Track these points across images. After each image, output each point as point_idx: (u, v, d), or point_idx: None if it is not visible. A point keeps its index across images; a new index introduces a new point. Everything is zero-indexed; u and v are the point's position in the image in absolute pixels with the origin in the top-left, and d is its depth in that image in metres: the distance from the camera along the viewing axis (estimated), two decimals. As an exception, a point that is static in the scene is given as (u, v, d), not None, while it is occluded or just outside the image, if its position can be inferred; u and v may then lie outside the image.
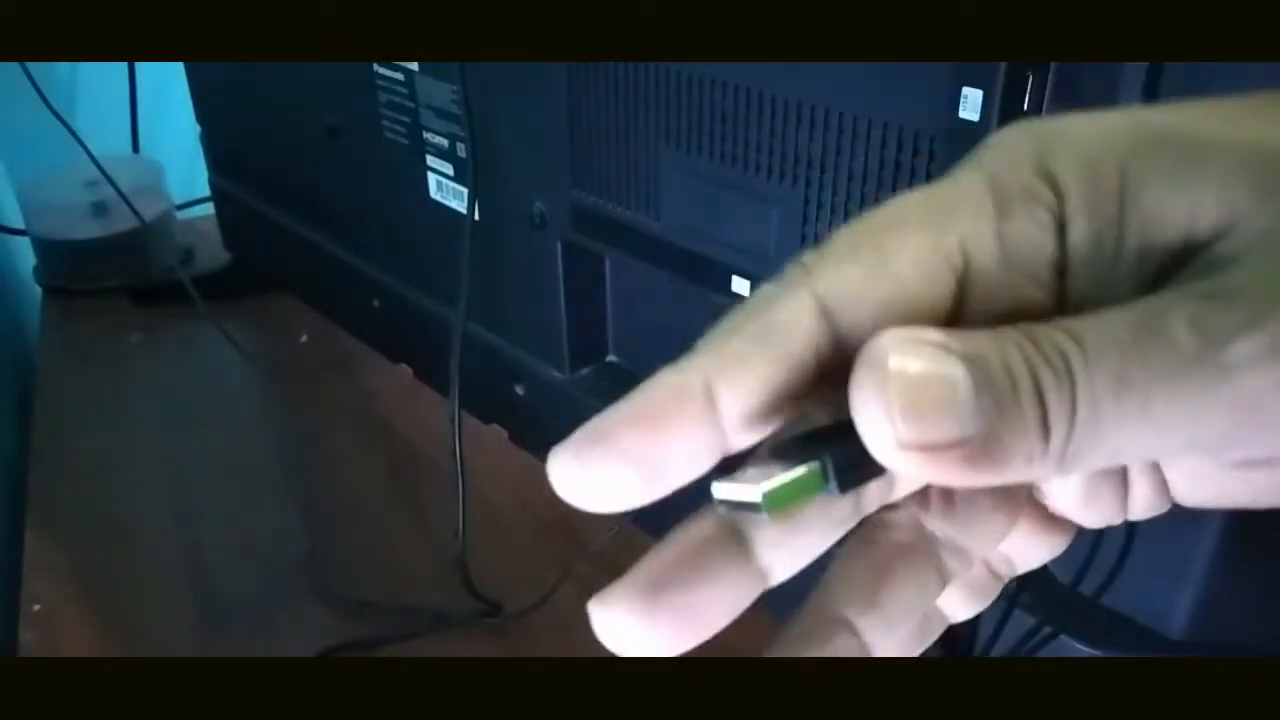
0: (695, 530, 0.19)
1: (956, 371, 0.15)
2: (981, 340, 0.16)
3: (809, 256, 0.17)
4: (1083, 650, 0.41)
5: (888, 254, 0.17)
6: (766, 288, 0.17)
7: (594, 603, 0.17)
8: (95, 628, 0.59)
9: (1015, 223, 0.17)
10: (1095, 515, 0.21)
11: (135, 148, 1.10)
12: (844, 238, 0.17)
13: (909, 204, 0.17)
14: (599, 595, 0.17)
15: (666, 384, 0.17)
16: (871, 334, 0.16)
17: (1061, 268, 0.17)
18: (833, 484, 0.17)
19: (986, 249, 0.17)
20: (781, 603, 0.22)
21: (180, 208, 1.03)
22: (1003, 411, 0.15)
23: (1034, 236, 0.17)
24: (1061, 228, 0.17)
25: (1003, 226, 0.17)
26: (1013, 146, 0.18)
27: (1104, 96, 0.35)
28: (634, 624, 0.17)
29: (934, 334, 0.16)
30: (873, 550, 0.20)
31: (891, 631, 0.20)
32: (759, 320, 0.17)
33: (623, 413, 0.17)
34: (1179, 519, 0.39)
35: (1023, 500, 0.21)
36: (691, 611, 0.18)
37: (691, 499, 0.51)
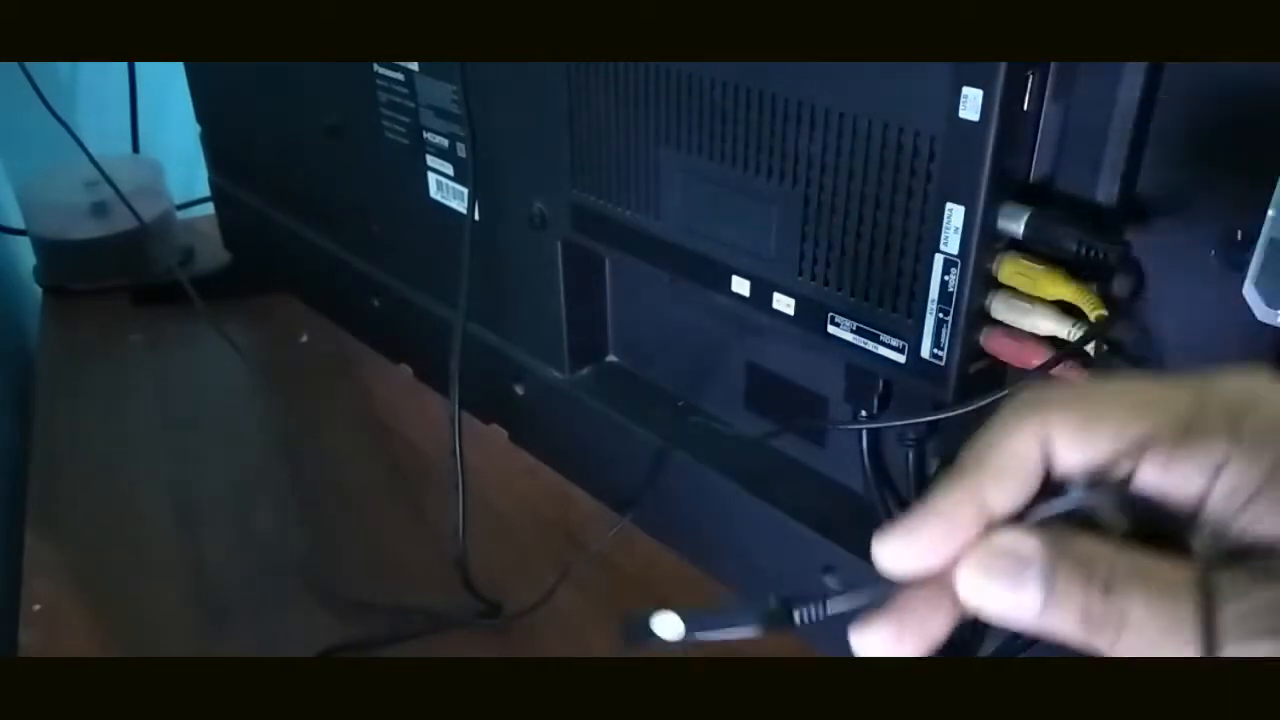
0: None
1: (1029, 570, 0.23)
2: (1062, 557, 0.22)
3: (1040, 392, 0.24)
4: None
5: (1100, 415, 0.23)
6: (1004, 419, 0.24)
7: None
8: (95, 628, 0.59)
9: (1186, 453, 0.22)
10: None
11: (135, 148, 1.10)
12: (1070, 391, 0.23)
13: (1128, 392, 0.23)
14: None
15: (949, 498, 0.24)
16: (1067, 467, 0.23)
17: (1200, 496, 0.22)
18: None
19: (1161, 456, 0.22)
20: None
21: (180, 208, 1.03)
22: (1049, 606, 0.22)
23: (1192, 473, 0.22)
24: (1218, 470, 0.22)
25: (1176, 450, 0.22)
26: (1231, 391, 0.22)
27: (1104, 96, 0.35)
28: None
29: (1027, 544, 0.23)
30: None
31: None
32: (1005, 448, 0.23)
33: (929, 512, 0.24)
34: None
35: None
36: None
37: (689, 504, 0.50)
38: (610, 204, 0.50)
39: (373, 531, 0.66)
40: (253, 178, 0.87)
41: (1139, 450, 0.22)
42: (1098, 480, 0.23)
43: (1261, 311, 0.33)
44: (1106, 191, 0.36)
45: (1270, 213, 0.32)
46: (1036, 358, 0.37)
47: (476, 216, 0.59)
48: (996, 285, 0.38)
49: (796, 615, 0.27)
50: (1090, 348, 0.36)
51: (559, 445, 0.65)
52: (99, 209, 0.94)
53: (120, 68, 1.07)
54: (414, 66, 0.61)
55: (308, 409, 0.79)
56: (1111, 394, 0.23)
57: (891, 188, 0.38)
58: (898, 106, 0.37)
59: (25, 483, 0.71)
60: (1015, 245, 0.37)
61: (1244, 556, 0.21)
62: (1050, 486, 0.24)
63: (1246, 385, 0.22)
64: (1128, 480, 0.23)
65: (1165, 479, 0.22)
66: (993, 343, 0.39)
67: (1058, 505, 0.23)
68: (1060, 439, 0.23)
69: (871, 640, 0.25)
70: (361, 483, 0.71)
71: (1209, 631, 0.20)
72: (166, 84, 1.02)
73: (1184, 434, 0.22)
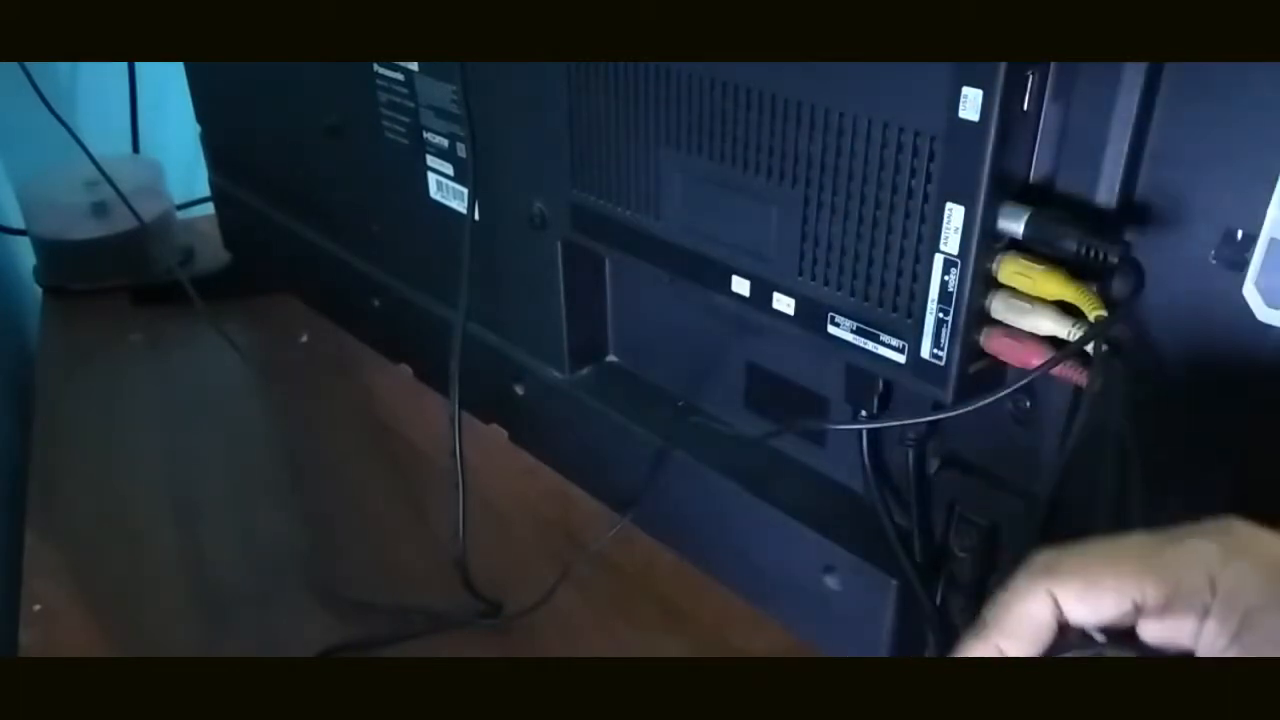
0: None
1: None
2: None
3: (1048, 558, 0.28)
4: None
5: (1099, 581, 0.27)
6: (1018, 584, 0.28)
7: None
8: (95, 628, 0.59)
9: (1174, 612, 0.27)
10: None
11: (135, 148, 1.10)
12: (1074, 559, 0.28)
13: (1123, 559, 0.28)
14: None
15: (973, 653, 0.29)
16: (1072, 618, 0.28)
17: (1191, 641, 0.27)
18: None
19: (1155, 613, 0.27)
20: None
21: (180, 208, 1.03)
22: None
23: (1182, 626, 0.27)
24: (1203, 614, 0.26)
25: (1166, 609, 0.27)
26: (1209, 550, 0.27)
27: (1104, 96, 0.35)
28: None
29: None
30: None
31: None
32: (1018, 610, 0.28)
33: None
34: (1180, 521, 0.38)
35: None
36: None
37: (689, 504, 0.50)
38: (610, 204, 0.50)
39: (373, 531, 0.67)
40: (253, 178, 0.87)
41: (1136, 610, 0.27)
42: (1106, 629, 0.27)
43: (1262, 311, 0.33)
44: (1106, 191, 0.36)
45: (1270, 213, 0.32)
46: (1036, 358, 0.37)
47: (476, 216, 0.59)
48: (996, 285, 0.38)
49: None
50: (1090, 347, 0.36)
51: (559, 445, 0.65)
52: (99, 209, 0.94)
53: (120, 68, 1.07)
54: (414, 66, 0.61)
55: (308, 409, 0.79)
56: (1109, 561, 0.28)
57: (891, 188, 0.38)
58: (898, 106, 0.37)
59: (25, 483, 0.71)
60: (1015, 245, 0.37)
61: None
62: (1066, 631, 0.28)
63: (1221, 542, 0.27)
64: (1132, 628, 0.27)
65: (1161, 630, 0.27)
66: (993, 343, 0.39)
67: (1071, 654, 0.28)
68: (1067, 603, 0.27)
69: None
70: (361, 482, 0.71)
71: None
72: (166, 84, 1.02)
73: (1172, 594, 0.27)
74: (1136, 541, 0.28)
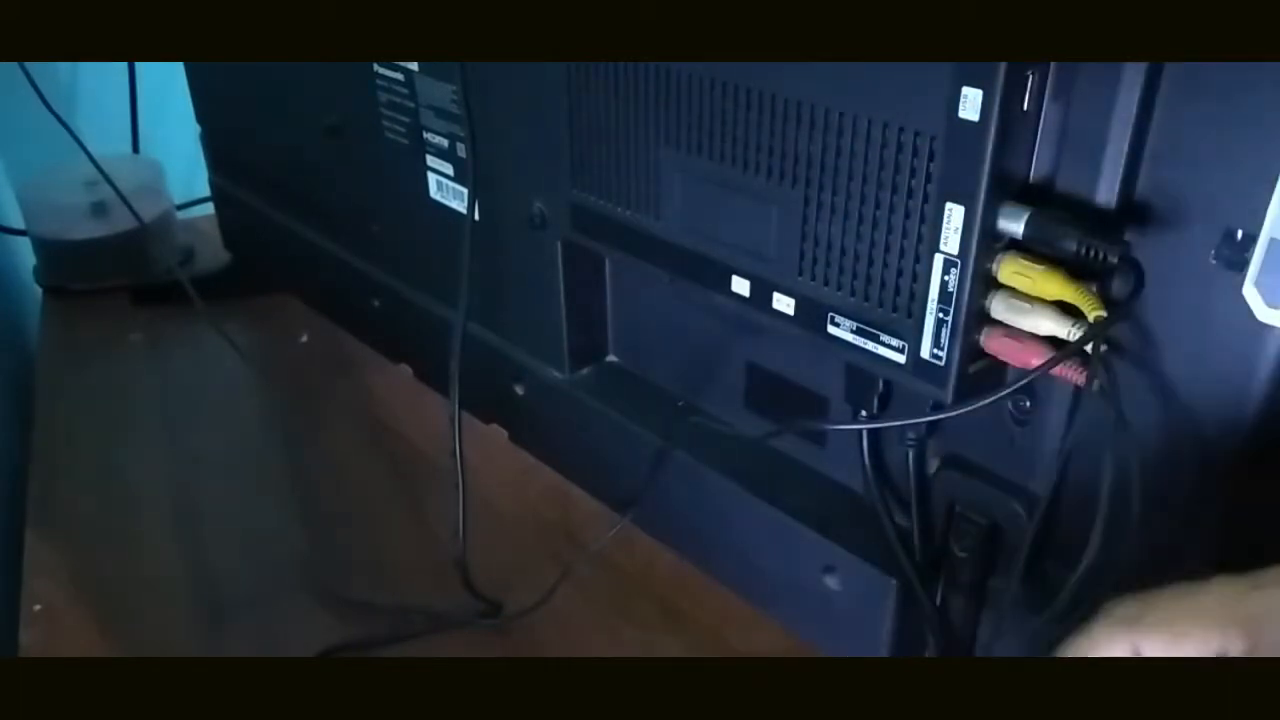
0: None
1: None
2: None
3: (1129, 610, 0.29)
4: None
5: (1187, 634, 0.28)
6: (1098, 633, 0.29)
7: None
8: (95, 628, 0.59)
9: (1258, 655, 0.28)
10: None
11: (135, 148, 1.10)
12: (1158, 611, 0.29)
13: (1208, 602, 0.29)
14: None
15: None
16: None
17: None
18: None
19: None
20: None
21: (180, 208, 1.03)
22: None
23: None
24: None
25: (1253, 651, 0.28)
26: None
27: (1104, 96, 0.35)
28: None
29: None
30: None
31: None
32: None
33: None
34: (1179, 522, 0.39)
35: None
36: None
37: (689, 504, 0.50)
38: (610, 204, 0.50)
39: (373, 531, 0.67)
40: (253, 178, 0.87)
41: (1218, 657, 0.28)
42: None
43: (1261, 311, 0.33)
44: (1106, 191, 0.36)
45: (1270, 213, 0.32)
46: (1036, 358, 0.37)
47: (476, 216, 0.59)
48: (996, 285, 0.38)
49: None
50: (1090, 347, 0.36)
51: (559, 445, 0.65)
52: (99, 209, 0.94)
53: (120, 68, 1.07)
54: (414, 66, 0.61)
55: (308, 409, 0.79)
56: (1194, 615, 0.29)
57: (891, 188, 0.38)
58: (898, 106, 0.37)
59: (25, 483, 0.71)
60: (1015, 245, 0.37)
61: None
62: None
63: None
64: None
65: None
66: (993, 343, 0.39)
67: None
68: (1150, 653, 0.28)
69: None
70: (361, 482, 0.71)
71: None
72: (166, 84, 1.02)
73: (1255, 644, 0.28)
74: (1218, 590, 0.29)
